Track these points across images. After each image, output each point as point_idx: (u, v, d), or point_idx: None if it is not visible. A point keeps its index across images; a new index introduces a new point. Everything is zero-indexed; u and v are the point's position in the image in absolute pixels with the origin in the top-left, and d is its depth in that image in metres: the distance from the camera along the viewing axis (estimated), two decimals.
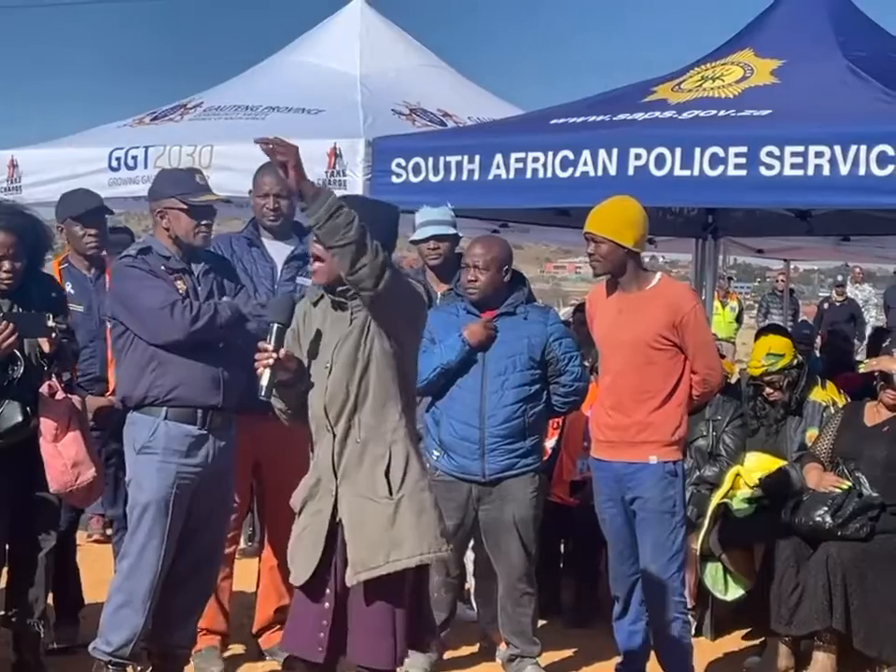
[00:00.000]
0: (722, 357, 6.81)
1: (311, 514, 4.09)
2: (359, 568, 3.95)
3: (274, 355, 3.96)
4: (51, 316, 4.88)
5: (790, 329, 8.15)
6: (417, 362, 4.18)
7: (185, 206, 4.84)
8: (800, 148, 5.61)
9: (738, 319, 19.69)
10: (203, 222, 4.87)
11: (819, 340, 11.38)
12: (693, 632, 5.62)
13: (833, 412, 6.25)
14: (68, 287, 5.76)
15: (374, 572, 3.94)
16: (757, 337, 7.01)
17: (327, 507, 4.03)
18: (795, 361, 6.45)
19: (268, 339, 4.01)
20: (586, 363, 6.70)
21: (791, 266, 16.81)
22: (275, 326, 4.03)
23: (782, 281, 18.18)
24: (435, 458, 5.49)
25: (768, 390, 6.44)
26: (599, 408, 5.28)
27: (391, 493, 3.97)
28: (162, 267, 4.87)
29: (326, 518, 4.03)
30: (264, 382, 3.97)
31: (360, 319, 3.99)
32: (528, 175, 6.38)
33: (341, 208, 3.75)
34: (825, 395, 6.45)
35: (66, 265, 5.94)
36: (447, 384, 5.47)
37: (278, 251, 5.65)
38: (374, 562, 3.94)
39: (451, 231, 5.94)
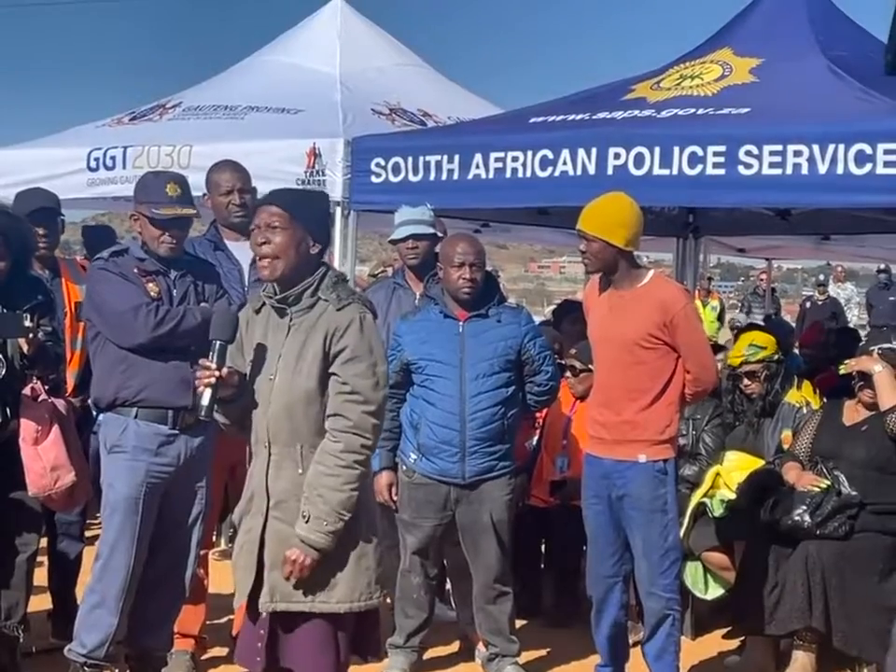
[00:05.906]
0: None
1: (245, 532, 3.98)
2: (277, 598, 3.86)
3: (217, 373, 3.86)
4: (30, 317, 4.82)
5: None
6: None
7: (149, 216, 4.83)
8: (778, 147, 5.62)
9: (720, 318, 19.73)
10: (168, 233, 4.84)
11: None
12: None
13: (805, 412, 6.24)
14: None
15: (294, 606, 3.85)
16: (737, 336, 7.01)
17: (257, 526, 3.92)
18: (776, 356, 6.45)
19: (210, 356, 3.90)
20: (565, 361, 6.70)
21: (775, 265, 16.88)
22: (218, 343, 3.93)
23: (764, 280, 18.20)
24: (412, 461, 5.47)
25: (746, 381, 6.42)
26: (591, 404, 5.27)
27: None
28: (136, 269, 4.86)
29: (256, 538, 3.92)
30: (205, 401, 3.88)
31: (303, 328, 3.87)
32: (508, 174, 6.38)
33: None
34: (799, 396, 6.43)
35: None
36: (425, 388, 5.45)
37: (241, 252, 5.50)
38: (296, 597, 3.84)
39: (429, 230, 5.92)
